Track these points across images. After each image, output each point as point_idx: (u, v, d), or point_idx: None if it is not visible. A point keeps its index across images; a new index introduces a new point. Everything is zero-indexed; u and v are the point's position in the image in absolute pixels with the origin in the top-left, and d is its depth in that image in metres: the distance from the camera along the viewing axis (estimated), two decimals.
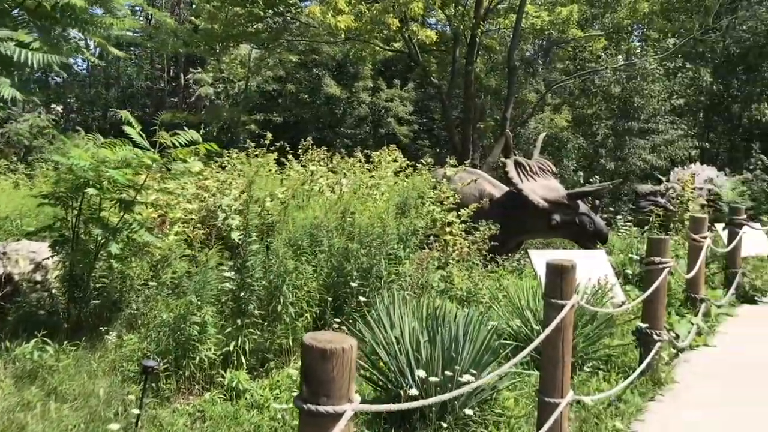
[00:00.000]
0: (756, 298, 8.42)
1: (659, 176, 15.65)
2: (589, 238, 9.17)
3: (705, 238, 6.86)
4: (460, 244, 8.24)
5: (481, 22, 16.99)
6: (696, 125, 21.13)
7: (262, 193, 6.55)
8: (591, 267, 7.16)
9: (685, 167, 14.97)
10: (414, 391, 3.79)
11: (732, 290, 8.26)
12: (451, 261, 8.04)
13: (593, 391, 4.77)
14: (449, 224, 8.30)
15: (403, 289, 6.31)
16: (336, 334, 2.14)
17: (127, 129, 5.53)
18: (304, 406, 2.03)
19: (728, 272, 8.60)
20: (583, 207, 9.29)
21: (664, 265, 5.09)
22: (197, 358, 5.01)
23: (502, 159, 9.94)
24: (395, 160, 8.28)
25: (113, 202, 5.64)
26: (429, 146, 31.54)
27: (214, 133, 25.44)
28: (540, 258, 7.13)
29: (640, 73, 16.97)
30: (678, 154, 17.34)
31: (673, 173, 15.22)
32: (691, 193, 13.37)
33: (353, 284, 5.77)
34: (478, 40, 17.43)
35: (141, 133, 5.59)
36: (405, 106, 28.83)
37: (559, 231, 9.40)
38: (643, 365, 5.04)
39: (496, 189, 10.05)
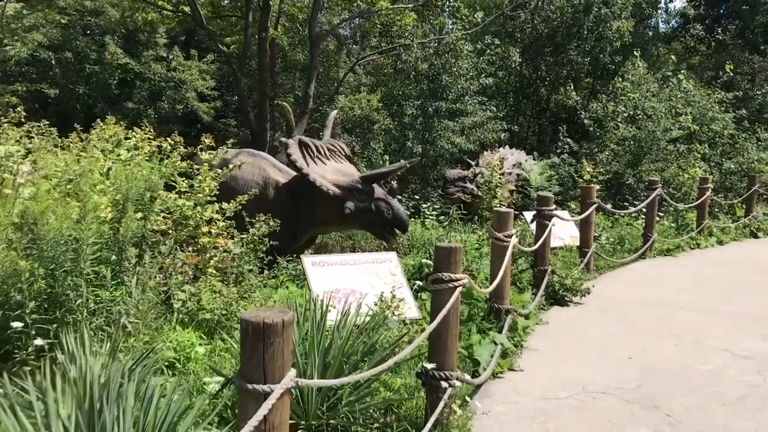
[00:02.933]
0: (566, 299, 7.66)
1: (468, 160, 15.04)
2: (386, 226, 8.01)
3: (510, 236, 5.79)
4: (223, 246, 6.66)
5: None
6: (506, 107, 21.04)
7: None
8: (378, 274, 5.88)
9: (494, 151, 14.43)
10: None
11: (541, 291, 7.42)
12: (210, 270, 6.45)
13: None
14: (209, 222, 6.68)
15: (117, 319, 4.60)
16: None
17: None
18: None
19: (537, 270, 7.77)
20: (379, 191, 8.10)
21: (456, 284, 3.83)
22: None
23: (282, 139, 8.46)
24: (128, 138, 6.42)
25: None
26: (236, 126, 29.40)
27: None
28: (314, 267, 5.73)
29: (448, 49, 16.26)
30: (487, 137, 16.91)
31: (482, 157, 14.66)
32: (500, 178, 12.77)
33: (15, 324, 3.94)
34: (272, 3, 15.75)
35: None
36: (205, 80, 26.45)
37: (354, 221, 8.16)
38: (431, 422, 3.76)
39: (284, 175, 8.58)
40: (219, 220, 6.56)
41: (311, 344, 3.75)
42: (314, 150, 8.30)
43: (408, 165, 8.62)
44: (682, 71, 16.76)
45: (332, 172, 8.22)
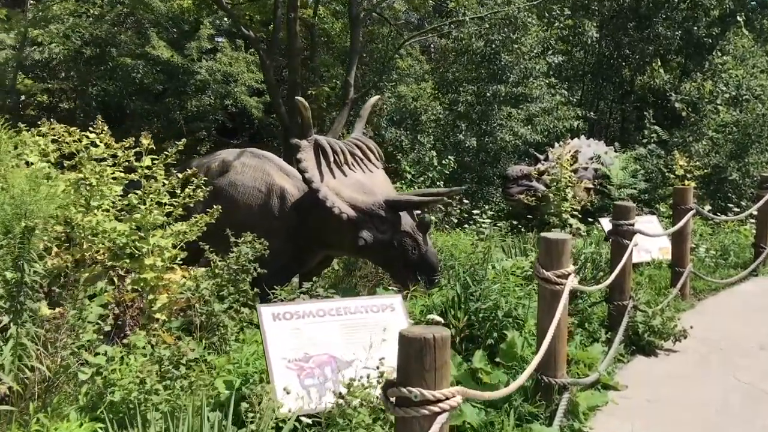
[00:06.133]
0: (654, 346, 5.75)
1: (536, 154, 13.11)
2: (409, 269, 6.29)
3: (566, 276, 3.96)
4: (176, 282, 5.12)
5: None
6: (581, 91, 18.89)
7: None
8: (373, 329, 4.15)
9: (566, 142, 12.45)
10: None
11: (619, 337, 5.53)
12: (160, 315, 4.94)
13: None
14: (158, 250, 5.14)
15: None
16: None
17: None
18: None
19: (612, 305, 5.88)
20: (407, 222, 6.39)
21: (435, 409, 2.08)
22: None
23: (294, 140, 6.79)
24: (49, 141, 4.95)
25: None
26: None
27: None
28: (276, 322, 4.07)
29: (509, 22, 14.29)
30: (558, 126, 14.85)
31: (552, 150, 12.69)
32: (571, 175, 10.84)
33: None
34: None
35: None
36: (253, 73, 25.25)
37: (368, 253, 6.54)
38: None
39: (291, 180, 6.99)
40: (168, 249, 5.00)
41: None
42: (333, 155, 6.62)
43: (445, 196, 6.89)
44: None
45: (351, 187, 6.51)
